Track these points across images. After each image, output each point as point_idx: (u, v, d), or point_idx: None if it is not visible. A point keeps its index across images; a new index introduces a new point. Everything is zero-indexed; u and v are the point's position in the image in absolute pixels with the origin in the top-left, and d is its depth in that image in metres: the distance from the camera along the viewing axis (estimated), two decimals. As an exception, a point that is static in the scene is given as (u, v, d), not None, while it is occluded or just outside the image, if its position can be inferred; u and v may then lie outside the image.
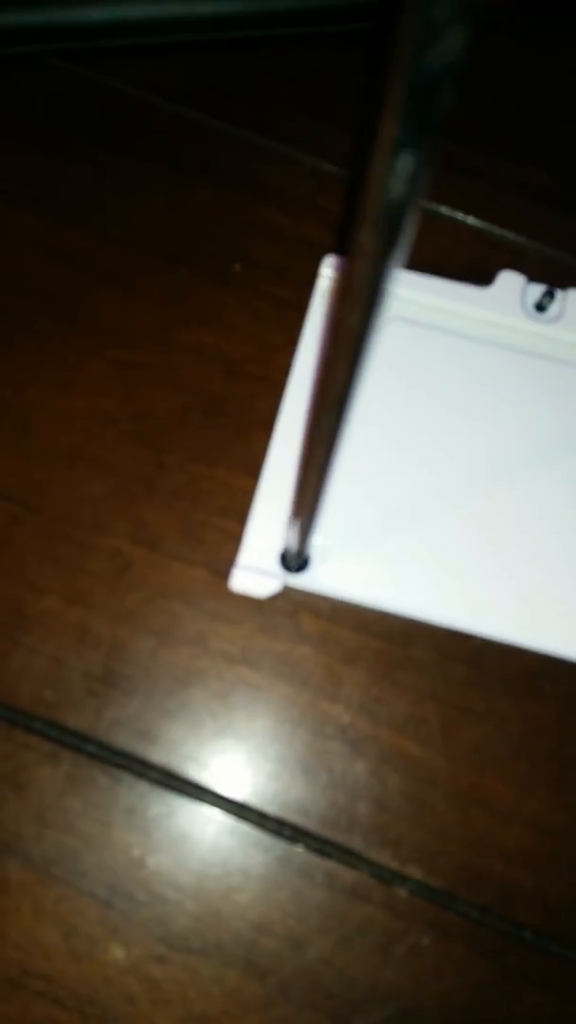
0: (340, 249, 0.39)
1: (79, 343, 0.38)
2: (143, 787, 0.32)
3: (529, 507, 0.36)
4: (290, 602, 0.35)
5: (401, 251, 0.16)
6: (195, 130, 0.42)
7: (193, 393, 0.38)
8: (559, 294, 0.38)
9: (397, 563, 0.35)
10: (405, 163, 0.14)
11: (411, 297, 0.38)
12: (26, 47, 0.41)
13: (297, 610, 0.35)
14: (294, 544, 0.32)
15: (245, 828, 0.32)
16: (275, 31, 0.43)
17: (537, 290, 0.38)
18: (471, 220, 0.42)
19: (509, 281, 0.38)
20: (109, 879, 0.31)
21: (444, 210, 0.42)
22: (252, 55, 0.43)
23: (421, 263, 0.40)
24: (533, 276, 0.39)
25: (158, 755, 0.33)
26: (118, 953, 0.30)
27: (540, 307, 0.38)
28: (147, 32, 0.42)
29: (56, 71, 0.42)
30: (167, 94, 0.42)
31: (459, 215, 0.42)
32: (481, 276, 0.39)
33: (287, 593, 0.35)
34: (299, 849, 0.32)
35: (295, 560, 0.34)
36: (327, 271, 0.38)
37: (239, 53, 0.43)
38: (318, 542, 0.34)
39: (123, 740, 0.33)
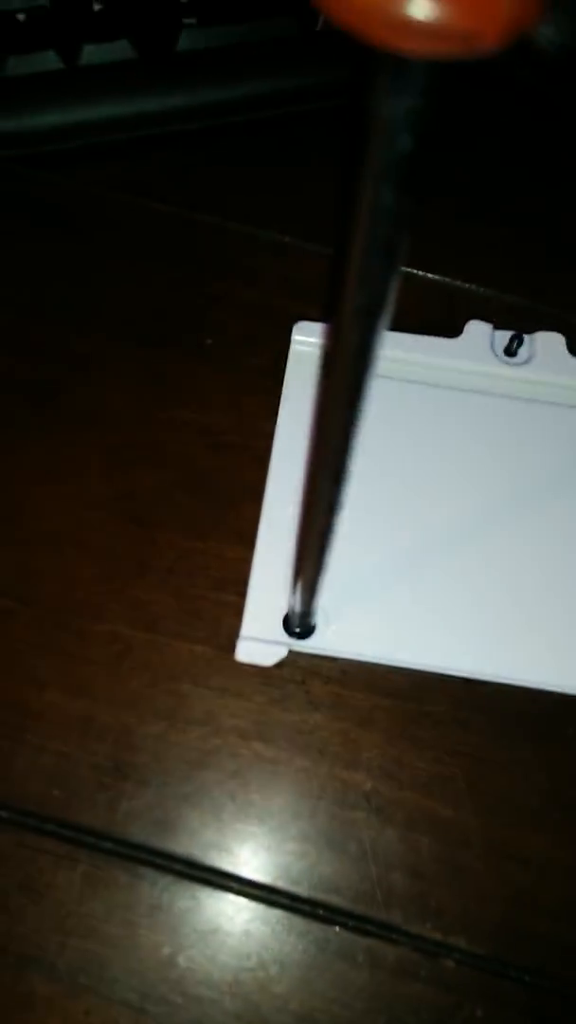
0: (309, 315, 0.42)
1: (58, 429, 0.40)
2: (166, 881, 0.33)
3: (527, 547, 0.38)
4: (298, 669, 0.37)
5: (388, 315, 0.18)
6: (153, 219, 0.45)
7: (177, 469, 0.40)
8: (526, 338, 0.42)
9: (402, 617, 0.36)
10: (386, 233, 0.16)
11: (386, 354, 0.41)
12: (-18, 151, 0.45)
13: (306, 677, 0.37)
14: (299, 609, 0.34)
15: (277, 913, 0.33)
16: (219, 121, 0.47)
17: (504, 336, 0.42)
18: (430, 276, 0.46)
19: (477, 330, 0.42)
20: (140, 984, 0.31)
21: (410, 269, 0.46)
22: (198, 144, 0.48)
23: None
24: (498, 324, 0.42)
25: (179, 845, 0.33)
26: (157, 1064, 0.30)
27: (509, 352, 0.42)
28: (96, 132, 0.46)
29: (10, 174, 0.46)
30: (122, 188, 0.46)
31: (419, 272, 0.46)
32: (447, 328, 0.43)
33: (294, 660, 0.37)
34: (336, 930, 0.33)
35: (299, 625, 0.35)
36: (298, 336, 0.41)
37: (184, 144, 0.47)
38: (321, 604, 0.36)
39: (141, 833, 0.33)
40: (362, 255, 0.16)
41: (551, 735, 0.36)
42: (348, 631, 0.36)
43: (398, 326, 0.42)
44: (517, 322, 0.43)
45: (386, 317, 0.18)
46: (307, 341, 0.41)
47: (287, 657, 0.36)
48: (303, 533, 0.29)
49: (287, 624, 0.36)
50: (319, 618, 0.36)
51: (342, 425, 0.22)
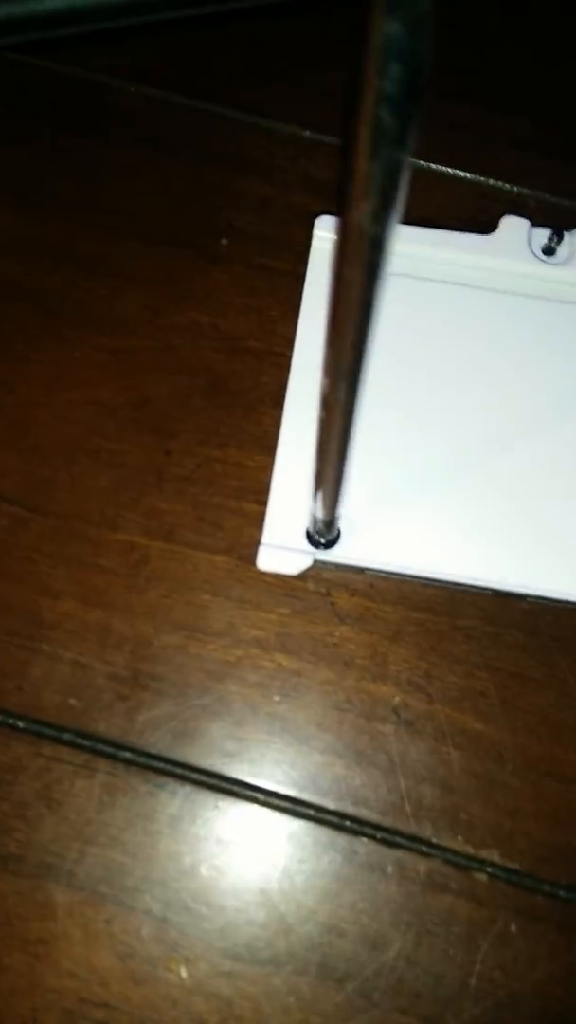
0: (331, 211, 0.41)
1: (68, 335, 0.40)
2: (187, 791, 0.33)
3: (563, 455, 0.38)
4: (322, 582, 0.37)
5: (399, 205, 0.18)
6: (165, 110, 0.45)
7: (193, 374, 0.40)
8: (567, 235, 0.41)
9: (432, 527, 0.36)
10: (393, 117, 0.16)
11: (412, 252, 0.40)
12: (-19, 42, 0.44)
13: (331, 590, 0.37)
14: (321, 516, 0.34)
15: (303, 825, 0.33)
16: (231, 5, 0.46)
17: (543, 234, 0.41)
18: (462, 174, 0.45)
19: (513, 226, 0.41)
20: (162, 893, 0.32)
21: (434, 166, 0.45)
22: (211, 31, 0.47)
23: (416, 220, 0.42)
24: (536, 221, 0.42)
25: (199, 756, 0.34)
26: (181, 972, 0.31)
27: (548, 251, 0.41)
28: (102, 17, 0.45)
29: (14, 65, 0.45)
30: (132, 77, 0.45)
31: (449, 170, 0.45)
32: (481, 226, 0.42)
33: (318, 573, 0.37)
34: (364, 841, 0.33)
35: (324, 533, 0.35)
36: (321, 233, 0.40)
37: (197, 30, 0.46)
38: (345, 514, 0.36)
39: (160, 743, 0.34)
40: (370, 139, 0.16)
41: (589, 648, 0.36)
42: (375, 541, 0.36)
43: (424, 225, 0.42)
44: (556, 220, 0.42)
45: (400, 204, 0.18)
46: (330, 238, 0.40)
47: (311, 570, 0.36)
48: (322, 437, 0.28)
49: (310, 535, 0.36)
50: (344, 527, 0.36)
51: (355, 319, 0.21)
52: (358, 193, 0.18)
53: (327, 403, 0.26)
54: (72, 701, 0.34)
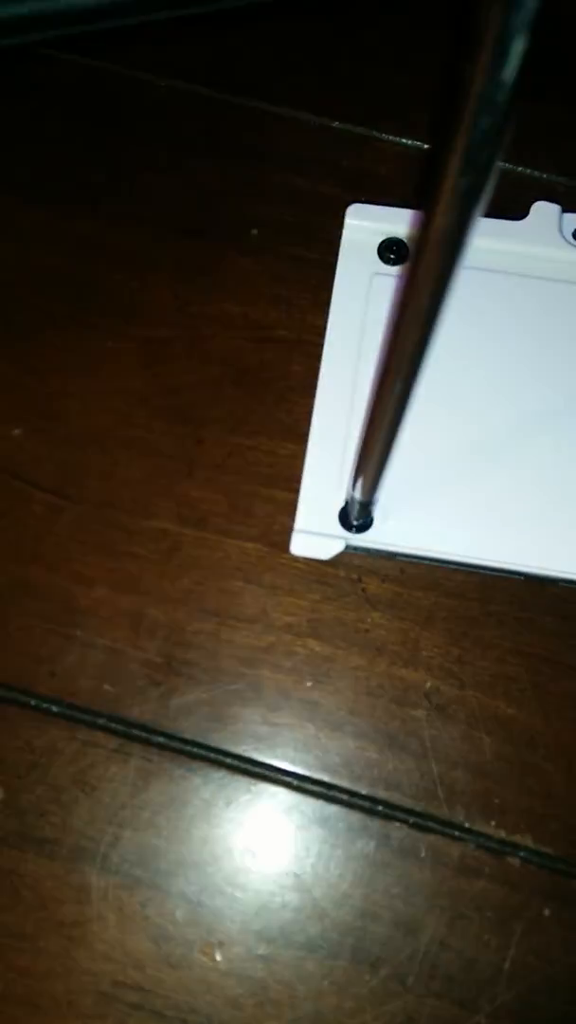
0: (362, 199, 0.40)
1: (100, 325, 0.39)
2: (221, 776, 0.32)
3: (595, 441, 0.36)
4: (353, 568, 0.36)
5: (486, 201, 0.18)
6: (195, 103, 0.44)
7: (223, 364, 0.39)
8: (597, 220, 0.39)
9: (462, 512, 0.35)
10: (491, 116, 0.16)
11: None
12: (13, 39, 0.43)
13: (362, 576, 0.35)
14: (360, 498, 0.32)
15: (336, 809, 0.32)
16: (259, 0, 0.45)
17: (573, 219, 0.39)
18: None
19: (544, 211, 0.39)
20: (197, 876, 0.31)
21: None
22: (240, 26, 0.45)
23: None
24: (567, 207, 0.40)
25: (232, 741, 0.33)
26: (216, 955, 0.30)
27: (578, 236, 0.39)
28: (132, 12, 0.44)
29: (47, 60, 0.44)
30: (162, 72, 0.44)
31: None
32: (513, 213, 0.41)
33: (349, 560, 0.35)
34: (397, 826, 0.32)
35: (357, 518, 0.34)
36: (352, 221, 0.39)
37: (226, 25, 0.45)
38: (379, 499, 0.35)
39: (194, 728, 0.33)
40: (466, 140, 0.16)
41: (622, 634, 0.35)
42: (407, 526, 0.35)
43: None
44: (583, 206, 0.41)
45: (485, 200, 0.18)
46: (361, 226, 0.39)
47: (342, 556, 0.35)
48: (371, 422, 0.27)
49: (344, 518, 0.35)
50: (377, 513, 0.35)
51: (425, 316, 0.21)
52: (445, 195, 0.17)
53: (383, 392, 0.26)
54: (106, 686, 0.33)
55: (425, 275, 0.20)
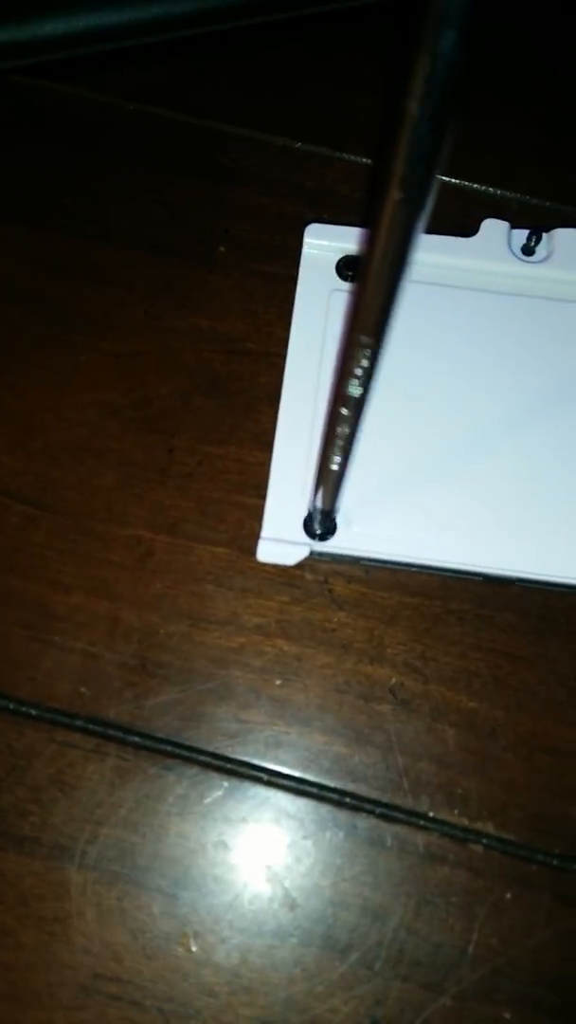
0: (321, 219, 0.41)
1: (73, 341, 0.39)
2: (194, 773, 0.32)
3: (548, 446, 0.37)
4: (320, 571, 0.36)
5: (426, 214, 0.18)
6: (162, 126, 0.44)
7: (193, 376, 0.39)
8: (544, 236, 0.40)
9: (425, 517, 0.35)
10: (426, 130, 0.16)
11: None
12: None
13: (328, 578, 0.36)
14: (321, 506, 0.33)
15: (305, 803, 0.32)
16: (225, 25, 0.46)
17: (521, 235, 0.40)
18: (448, 179, 0.44)
19: (493, 228, 0.40)
20: (172, 871, 0.31)
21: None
22: (204, 50, 0.46)
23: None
24: (516, 223, 0.41)
25: (205, 739, 0.33)
26: (192, 945, 0.30)
27: (527, 250, 0.40)
28: (100, 40, 0.44)
29: (16, 86, 0.44)
30: (129, 96, 0.45)
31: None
32: (465, 229, 0.41)
33: (317, 564, 0.36)
34: (364, 817, 0.32)
35: (321, 526, 0.35)
36: (311, 239, 0.39)
37: (191, 50, 0.46)
38: (342, 506, 0.35)
39: (168, 728, 0.33)
40: (405, 160, 0.16)
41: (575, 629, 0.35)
42: (370, 532, 0.35)
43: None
44: (534, 221, 0.41)
45: (425, 215, 0.18)
46: (319, 244, 0.40)
47: (310, 560, 0.36)
48: (327, 437, 0.28)
49: (308, 526, 0.35)
50: (340, 520, 0.35)
51: (375, 326, 0.22)
52: (386, 211, 0.18)
53: (336, 406, 0.26)
54: (83, 689, 0.33)
55: (371, 290, 0.21)
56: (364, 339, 0.23)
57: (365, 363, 0.24)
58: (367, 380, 0.25)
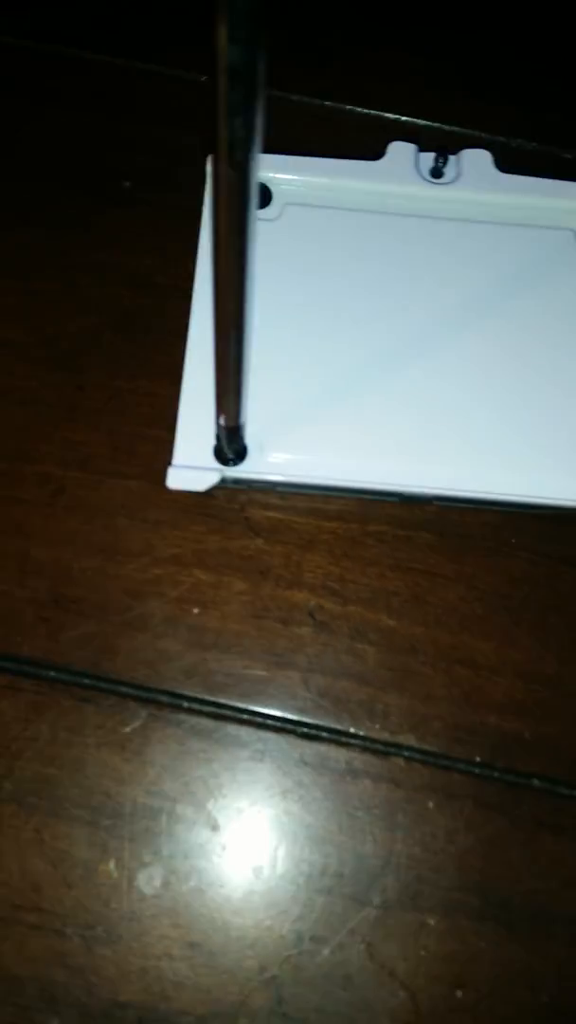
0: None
1: (-24, 281, 0.37)
2: (112, 703, 0.32)
3: (459, 364, 0.36)
4: (236, 501, 0.35)
5: (258, 136, 0.19)
6: (62, 63, 0.42)
7: (102, 312, 0.37)
8: (451, 157, 0.39)
9: (337, 439, 0.35)
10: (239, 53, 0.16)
11: (303, 180, 0.38)
12: None
13: (244, 507, 0.35)
14: (225, 424, 0.32)
15: (226, 728, 0.32)
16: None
17: (429, 157, 0.39)
18: (356, 109, 0.43)
19: (400, 150, 0.39)
20: (92, 800, 0.30)
21: (327, 103, 0.43)
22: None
23: (313, 155, 0.40)
24: (425, 148, 0.40)
25: (123, 670, 0.32)
26: (113, 872, 0.29)
27: (436, 173, 0.39)
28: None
29: None
30: (25, 34, 0.43)
31: (343, 106, 0.43)
32: (374, 156, 0.40)
33: (232, 493, 0.35)
34: (286, 737, 0.32)
35: (230, 449, 0.33)
36: (211, 168, 0.38)
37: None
38: (252, 432, 0.34)
39: (84, 661, 0.32)
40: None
41: (496, 547, 0.35)
42: (282, 456, 0.34)
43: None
44: (448, 146, 0.40)
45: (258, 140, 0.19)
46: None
47: (225, 489, 0.35)
48: (218, 348, 0.27)
49: (219, 453, 0.34)
50: (251, 444, 0.34)
51: (236, 237, 0.21)
52: (222, 123, 0.18)
53: (218, 316, 0.25)
54: (-5, 626, 0.32)
55: (224, 199, 0.20)
56: (229, 250, 0.22)
57: (236, 271, 0.23)
58: (240, 292, 0.24)
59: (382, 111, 0.43)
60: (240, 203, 0.20)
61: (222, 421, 0.31)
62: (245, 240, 0.22)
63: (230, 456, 0.34)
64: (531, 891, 0.30)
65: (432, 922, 0.30)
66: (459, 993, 0.29)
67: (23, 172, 0.40)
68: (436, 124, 0.43)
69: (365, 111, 0.43)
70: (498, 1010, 0.29)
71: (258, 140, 0.19)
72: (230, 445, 0.33)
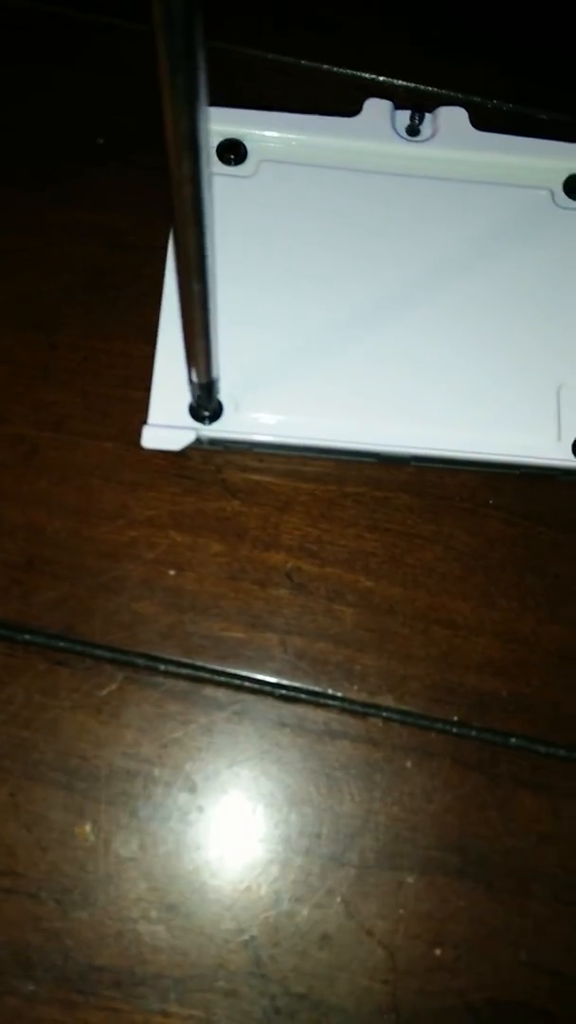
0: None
1: (-55, 239, 0.35)
2: (88, 666, 0.30)
3: (435, 322, 0.34)
4: (212, 462, 0.33)
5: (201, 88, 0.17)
6: (40, 20, 0.39)
7: (76, 271, 0.35)
8: (428, 115, 0.37)
9: (314, 398, 0.32)
10: None
11: (278, 136, 0.36)
12: None
13: (221, 468, 0.33)
14: (199, 380, 0.30)
15: (204, 690, 0.30)
16: None
17: (405, 115, 0.37)
18: (331, 68, 0.40)
19: (376, 107, 0.36)
20: (67, 764, 0.28)
21: (303, 62, 0.40)
22: None
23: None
24: (400, 105, 0.37)
25: (99, 633, 0.30)
26: (89, 836, 0.28)
27: (412, 131, 0.37)
28: None
29: None
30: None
31: (319, 65, 0.40)
32: (347, 112, 0.38)
33: (208, 454, 0.33)
34: (264, 699, 0.30)
35: (206, 406, 0.31)
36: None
37: None
38: (228, 391, 0.32)
39: (57, 623, 0.30)
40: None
41: (473, 507, 0.33)
42: (258, 415, 0.32)
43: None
44: (423, 104, 0.38)
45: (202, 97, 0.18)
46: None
47: (201, 451, 0.33)
48: (183, 303, 0.25)
49: (195, 412, 0.32)
50: (227, 403, 0.32)
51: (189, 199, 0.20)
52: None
53: (181, 269, 0.23)
54: (-33, 589, 0.30)
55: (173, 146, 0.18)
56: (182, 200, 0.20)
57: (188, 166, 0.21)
58: (199, 242, 0.22)
59: (358, 71, 0.40)
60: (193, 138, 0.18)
61: (194, 377, 0.29)
62: (199, 185, 0.20)
63: (206, 414, 0.32)
64: (509, 849, 0.29)
65: (410, 880, 0.28)
66: (438, 951, 0.28)
67: (-7, 128, 0.37)
68: (412, 84, 0.40)
69: (341, 70, 0.40)
70: (477, 967, 0.28)
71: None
72: (205, 402, 0.31)
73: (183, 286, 0.24)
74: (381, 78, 0.40)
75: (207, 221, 0.21)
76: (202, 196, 0.20)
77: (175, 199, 0.21)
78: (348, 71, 0.40)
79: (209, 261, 0.23)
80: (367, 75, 0.40)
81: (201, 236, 0.22)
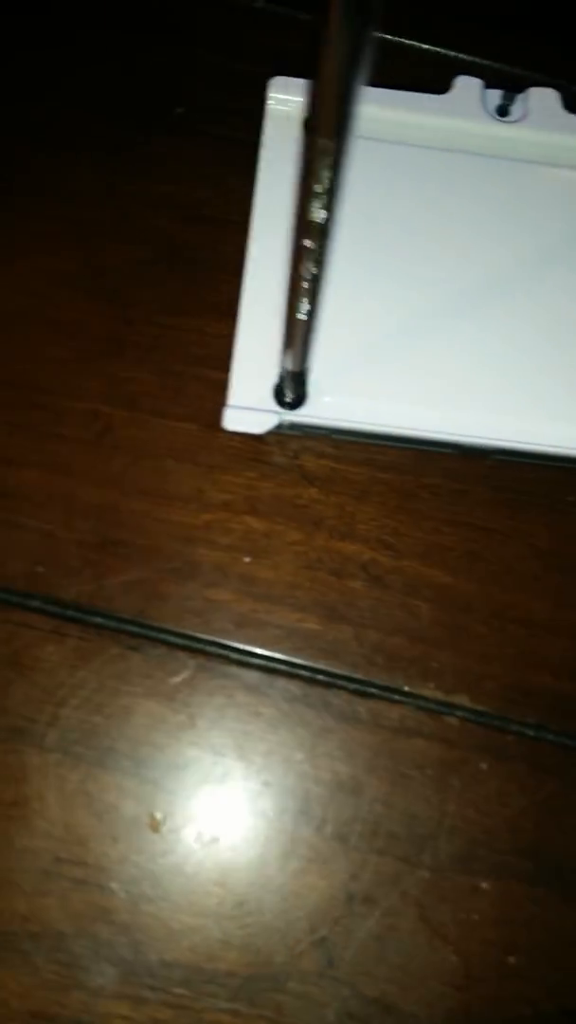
0: (284, 74, 0.34)
1: (22, 206, 0.33)
2: (160, 653, 0.28)
3: (524, 312, 0.32)
4: (289, 448, 0.31)
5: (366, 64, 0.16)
6: (112, -22, 0.37)
7: (152, 244, 0.33)
8: (518, 96, 0.34)
9: (399, 386, 0.30)
10: None
11: (368, 113, 0.33)
12: None
13: (298, 454, 0.31)
14: (291, 368, 0.28)
15: (276, 681, 0.28)
16: None
17: (495, 95, 0.34)
18: (420, 44, 0.38)
19: (467, 85, 0.34)
20: (138, 752, 0.27)
21: (390, 37, 0.37)
22: None
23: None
24: (490, 84, 0.35)
25: (171, 618, 0.28)
26: (161, 827, 0.26)
27: (502, 111, 0.34)
28: None
29: None
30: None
31: (407, 41, 0.37)
32: (435, 90, 0.35)
33: (285, 439, 0.31)
34: (337, 693, 0.28)
35: (292, 391, 0.29)
36: (275, 94, 0.33)
37: None
38: (313, 376, 0.30)
39: (131, 608, 0.28)
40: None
41: (552, 503, 0.31)
42: (341, 401, 0.30)
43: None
44: (512, 86, 0.35)
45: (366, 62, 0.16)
46: (284, 99, 0.33)
47: (278, 436, 0.30)
48: (293, 274, 0.22)
49: (278, 395, 0.30)
50: (311, 389, 0.30)
51: (335, 125, 0.18)
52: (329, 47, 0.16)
53: (296, 261, 0.21)
54: (39, 568, 0.28)
55: (327, 83, 0.16)
56: (323, 143, 0.18)
57: (327, 175, 0.19)
58: (331, 200, 0.20)
59: (446, 48, 0.38)
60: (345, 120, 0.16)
61: (288, 364, 0.27)
62: (341, 171, 0.18)
63: (289, 399, 0.30)
64: (588, 858, 0.27)
65: (485, 886, 0.27)
66: (511, 959, 0.26)
67: (70, 97, 0.35)
68: (499, 65, 0.38)
69: (428, 47, 0.37)
70: (550, 977, 0.26)
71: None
72: (292, 388, 0.29)
73: (295, 272, 0.22)
74: (467, 57, 0.37)
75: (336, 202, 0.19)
76: (342, 164, 0.18)
77: (313, 163, 0.19)
78: (435, 48, 0.38)
79: (329, 246, 0.21)
80: (452, 53, 0.38)
81: (331, 215, 0.20)
